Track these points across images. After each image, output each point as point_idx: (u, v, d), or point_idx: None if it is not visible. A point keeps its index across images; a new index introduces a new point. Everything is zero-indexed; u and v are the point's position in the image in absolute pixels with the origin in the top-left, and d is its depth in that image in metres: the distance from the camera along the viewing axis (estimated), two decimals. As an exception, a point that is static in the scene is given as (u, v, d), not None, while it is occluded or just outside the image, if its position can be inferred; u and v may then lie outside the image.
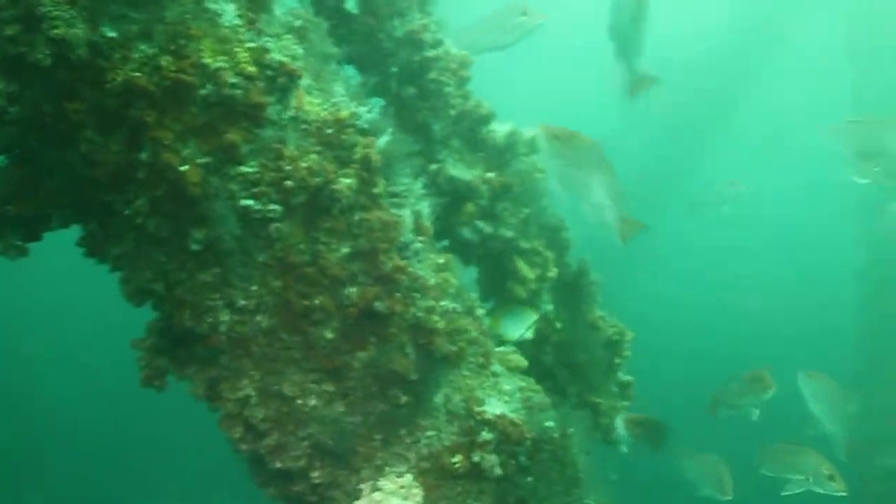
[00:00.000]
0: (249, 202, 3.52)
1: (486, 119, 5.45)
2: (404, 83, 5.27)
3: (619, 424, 5.70)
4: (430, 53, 5.21)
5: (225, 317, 3.68)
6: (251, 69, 3.42)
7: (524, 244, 5.62)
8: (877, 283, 14.33)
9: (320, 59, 4.13)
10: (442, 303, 4.18)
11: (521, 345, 5.53)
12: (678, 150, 20.32)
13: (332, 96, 3.95)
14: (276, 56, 3.54)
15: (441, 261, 4.44)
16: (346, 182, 3.69)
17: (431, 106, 5.36)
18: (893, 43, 14.34)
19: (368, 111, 4.00)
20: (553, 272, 5.71)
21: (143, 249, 3.55)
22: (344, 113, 3.79)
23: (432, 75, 5.29)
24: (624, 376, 6.63)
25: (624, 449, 5.88)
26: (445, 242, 5.60)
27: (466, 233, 5.38)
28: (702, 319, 24.06)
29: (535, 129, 5.65)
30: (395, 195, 4.09)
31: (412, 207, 4.21)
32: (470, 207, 5.38)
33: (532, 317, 5.59)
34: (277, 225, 3.61)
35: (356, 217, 3.82)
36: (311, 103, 3.82)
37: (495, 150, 5.57)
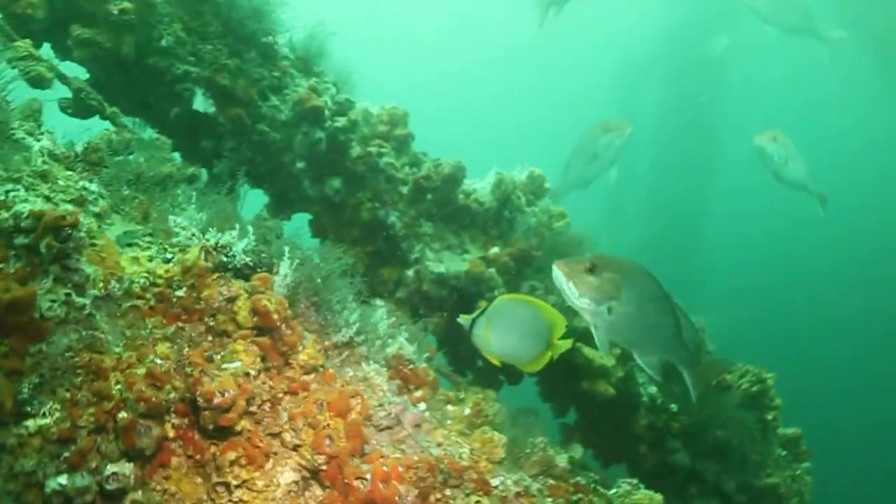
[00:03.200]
0: (62, 482, 1.87)
1: (455, 178, 3.83)
2: (322, 178, 3.69)
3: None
4: (340, 122, 3.64)
5: None
6: (-32, 247, 1.82)
7: (581, 322, 3.89)
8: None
9: (145, 187, 2.55)
10: (495, 481, 2.48)
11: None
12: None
13: (173, 235, 2.35)
14: (23, 206, 1.93)
15: (468, 409, 2.77)
16: (232, 370, 2.04)
17: (373, 193, 3.76)
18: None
19: (248, 235, 2.39)
20: (636, 342, 3.95)
21: None
22: (192, 255, 2.17)
23: (356, 151, 3.71)
24: (786, 431, 4.77)
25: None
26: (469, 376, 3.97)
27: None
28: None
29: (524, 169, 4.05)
30: (342, 345, 2.44)
31: (381, 352, 2.56)
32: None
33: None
34: (134, 497, 1.94)
35: (281, 418, 2.16)
36: (135, 260, 2.22)
37: (487, 214, 3.94)
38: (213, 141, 3.62)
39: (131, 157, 2.88)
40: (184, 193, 2.74)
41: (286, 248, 2.38)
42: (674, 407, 4.30)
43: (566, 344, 2.87)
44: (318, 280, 2.45)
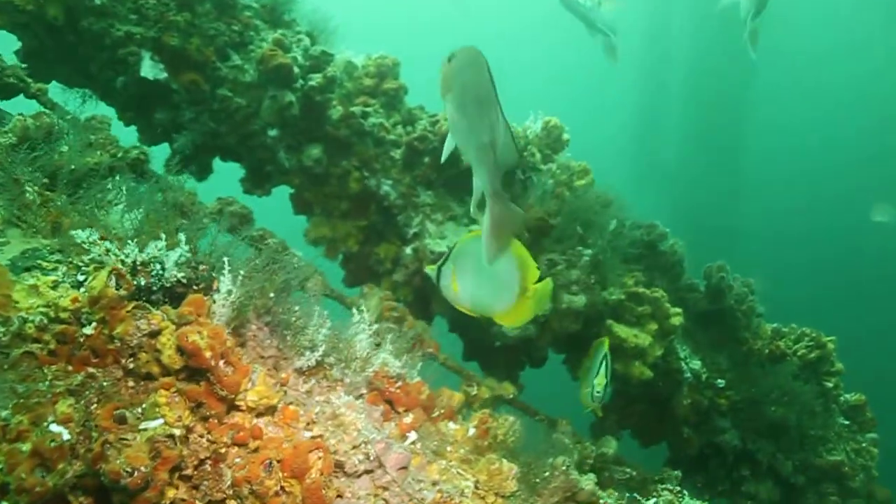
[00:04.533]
0: None
1: (456, 137, 3.31)
2: (299, 146, 3.21)
3: None
4: (315, 80, 3.14)
5: None
6: None
7: (612, 294, 3.42)
8: None
9: (61, 186, 2.12)
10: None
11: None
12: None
13: (88, 249, 1.91)
14: None
15: (473, 428, 2.37)
16: (151, 432, 1.62)
17: (361, 159, 3.28)
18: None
19: (181, 245, 1.94)
20: (676, 315, 3.48)
21: None
22: (98, 282, 1.74)
23: (336, 112, 3.22)
24: (849, 397, 4.28)
25: None
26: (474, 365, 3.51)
27: (509, 331, 3.23)
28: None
29: (537, 118, 3.52)
30: (309, 371, 2.03)
31: (360, 373, 2.14)
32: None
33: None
34: None
35: (226, 480, 1.74)
36: (33, 289, 1.79)
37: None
38: (168, 112, 3.15)
39: (56, 145, 2.43)
40: (115, 189, 2.29)
41: (226, 259, 1.92)
42: (721, 382, 3.83)
43: (545, 288, 2.37)
44: (272, 294, 2.00)
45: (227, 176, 3.63)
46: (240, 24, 3.14)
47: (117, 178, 2.44)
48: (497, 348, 3.56)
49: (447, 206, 3.38)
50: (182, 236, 1.94)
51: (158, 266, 1.87)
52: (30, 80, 2.73)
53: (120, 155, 2.67)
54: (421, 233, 3.30)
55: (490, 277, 2.37)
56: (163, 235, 1.93)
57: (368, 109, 3.30)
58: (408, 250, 3.29)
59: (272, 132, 3.21)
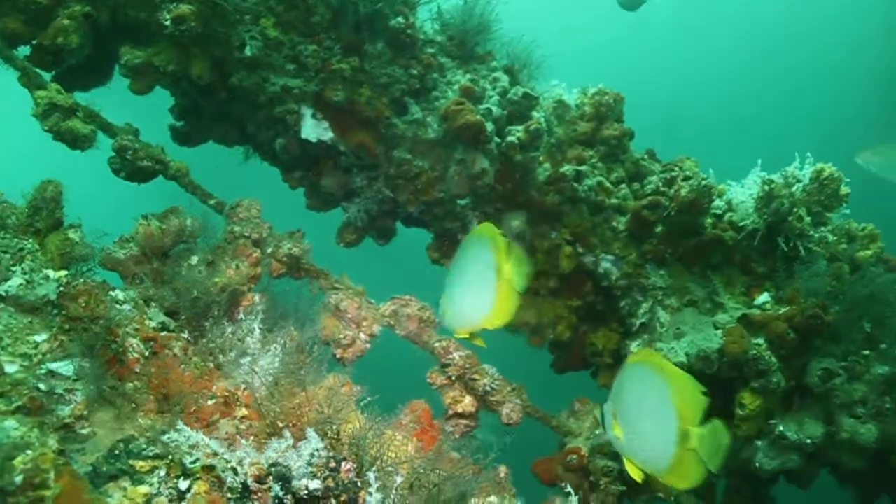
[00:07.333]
0: None
1: (698, 206, 2.63)
2: (497, 213, 2.65)
3: None
4: (516, 135, 2.57)
5: None
6: None
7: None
8: None
9: (184, 319, 1.71)
10: None
11: None
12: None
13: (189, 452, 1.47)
14: None
15: None
16: None
17: (573, 232, 2.67)
18: None
19: (312, 438, 1.46)
20: None
21: None
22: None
23: (545, 172, 2.65)
24: None
25: None
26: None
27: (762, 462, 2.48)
28: None
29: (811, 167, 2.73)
30: None
31: None
32: (749, 401, 2.48)
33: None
34: None
35: None
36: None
37: (749, 243, 2.68)
38: (337, 177, 2.69)
39: (181, 248, 2.02)
40: (248, 316, 1.83)
41: (372, 474, 1.38)
42: None
43: (715, 432, 1.70)
44: (441, 506, 1.44)
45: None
46: (420, 66, 2.60)
47: (256, 297, 2.01)
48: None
49: (685, 287, 2.69)
50: (313, 434, 1.42)
51: (278, 486, 1.37)
52: (169, 159, 2.35)
53: (270, 251, 2.24)
54: (650, 324, 2.65)
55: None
56: (287, 434, 1.43)
57: (583, 168, 2.67)
58: (633, 348, 2.65)
59: (462, 200, 2.67)
